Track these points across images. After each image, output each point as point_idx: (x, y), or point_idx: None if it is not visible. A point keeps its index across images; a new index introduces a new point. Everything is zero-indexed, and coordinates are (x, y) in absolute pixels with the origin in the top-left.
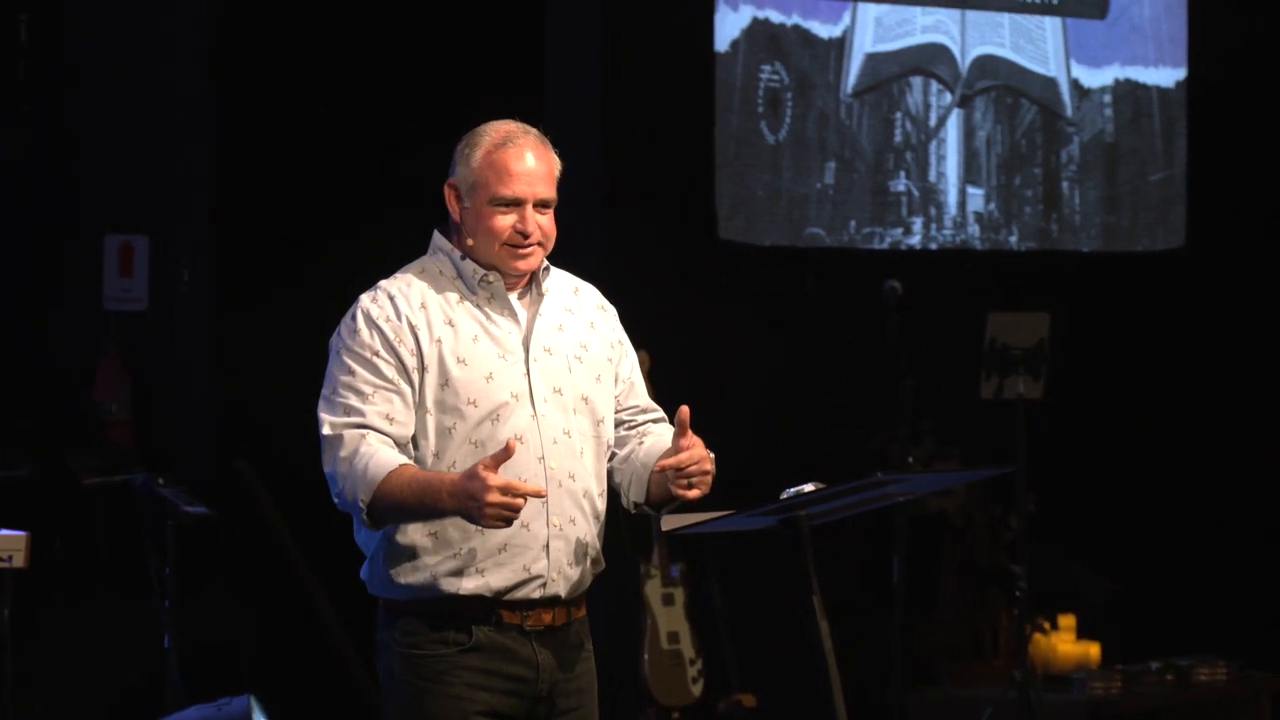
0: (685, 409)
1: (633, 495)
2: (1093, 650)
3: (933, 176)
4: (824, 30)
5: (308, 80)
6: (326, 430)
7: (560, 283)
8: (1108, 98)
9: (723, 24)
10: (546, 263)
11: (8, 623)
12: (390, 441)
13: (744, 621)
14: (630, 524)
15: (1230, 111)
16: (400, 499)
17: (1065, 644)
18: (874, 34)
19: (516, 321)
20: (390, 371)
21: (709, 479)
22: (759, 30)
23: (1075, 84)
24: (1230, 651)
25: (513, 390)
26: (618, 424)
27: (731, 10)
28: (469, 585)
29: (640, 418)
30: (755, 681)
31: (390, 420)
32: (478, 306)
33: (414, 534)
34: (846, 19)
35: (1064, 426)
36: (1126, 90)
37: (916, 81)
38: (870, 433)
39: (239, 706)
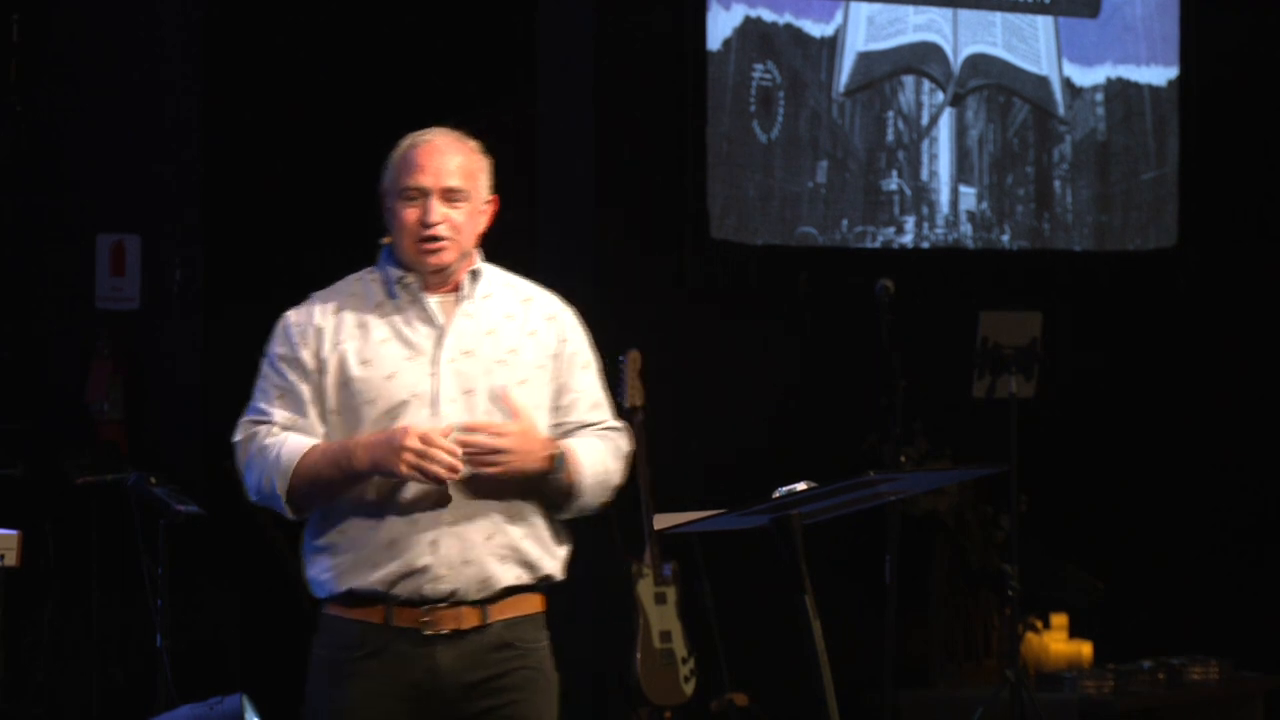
0: (503, 391)
1: None
2: (1085, 649)
3: (925, 175)
4: (816, 29)
5: (298, 79)
6: (237, 435)
7: (505, 290)
8: (1100, 96)
9: (715, 23)
10: (482, 268)
11: None
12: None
13: (736, 621)
14: (622, 524)
15: (1222, 110)
16: (316, 471)
17: (1057, 643)
18: (866, 33)
19: (433, 325)
20: (293, 375)
21: (497, 458)
22: (751, 29)
23: (1067, 83)
24: (1222, 651)
25: (414, 390)
26: (564, 433)
27: (723, 9)
28: (362, 580)
29: (580, 429)
30: (747, 681)
31: (292, 422)
32: (396, 309)
33: (324, 535)
34: (838, 18)
35: (1056, 426)
36: (1118, 89)
37: (909, 80)
38: (862, 432)
39: (231, 705)
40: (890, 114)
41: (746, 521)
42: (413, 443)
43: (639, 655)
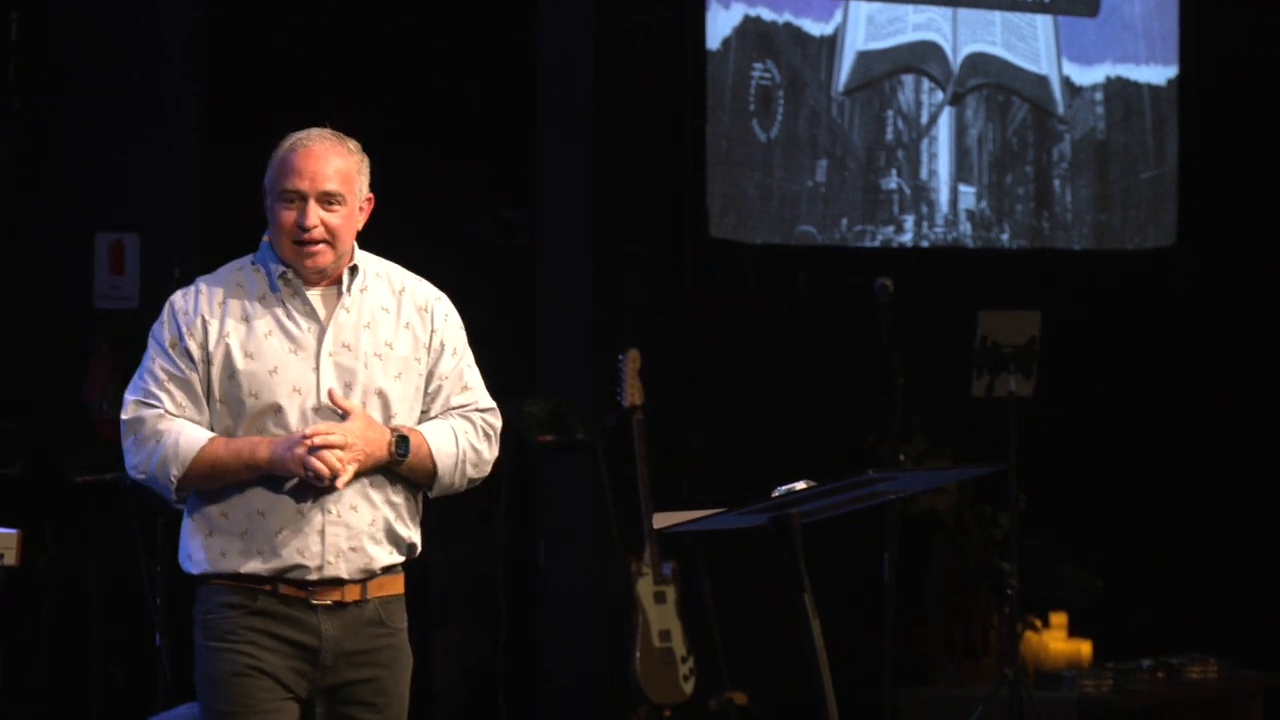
0: (330, 391)
1: None
2: (1084, 648)
3: (924, 174)
4: (816, 28)
5: (298, 79)
6: (127, 414)
7: (381, 282)
8: (1099, 95)
9: (714, 22)
10: (360, 263)
11: None
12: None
13: (735, 619)
14: (622, 523)
15: (1221, 109)
16: (216, 461)
17: (1056, 642)
18: (865, 32)
19: (315, 319)
20: (182, 363)
21: (338, 455)
22: (751, 28)
23: (1066, 82)
24: (1221, 650)
25: (296, 384)
26: (430, 418)
27: (723, 8)
28: (249, 565)
29: (446, 413)
30: (747, 679)
31: (181, 408)
32: (280, 303)
33: (208, 515)
34: (838, 17)
35: (1055, 424)
36: (1118, 88)
37: (908, 79)
38: (862, 431)
39: None
40: (890, 113)
41: (746, 521)
42: (309, 445)
43: (638, 654)
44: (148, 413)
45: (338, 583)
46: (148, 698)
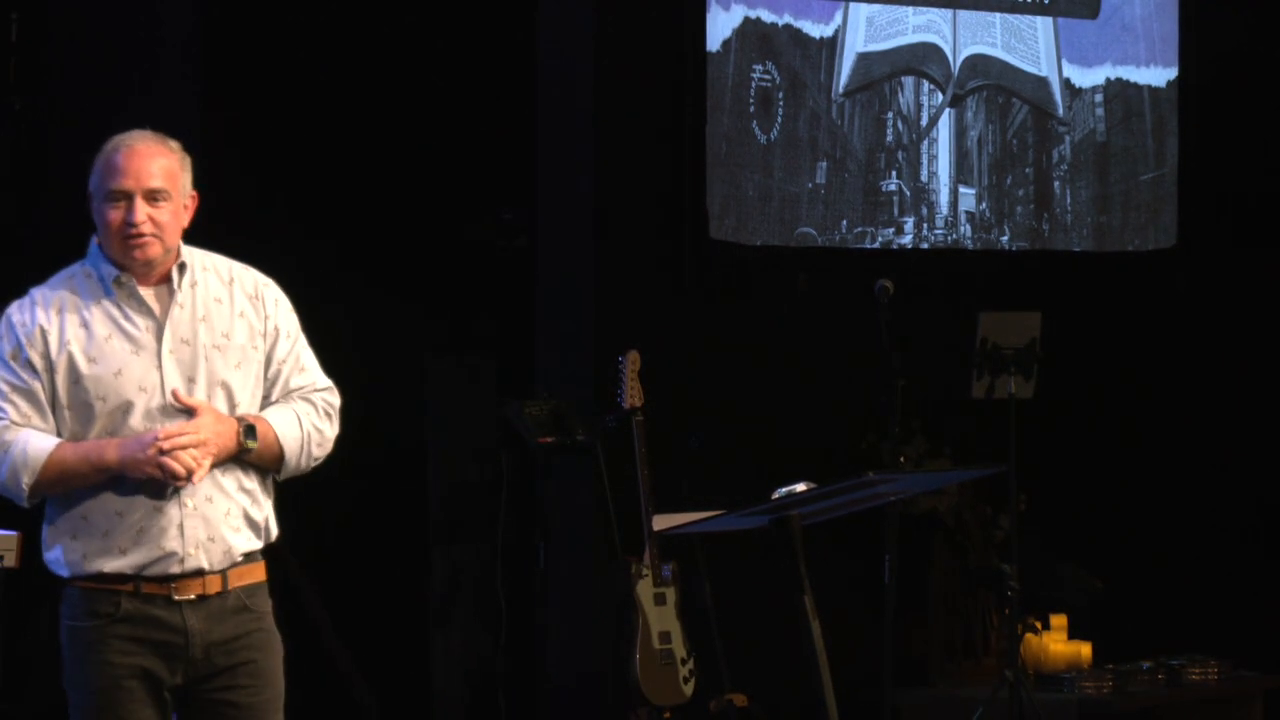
0: (174, 391)
1: None
2: (1084, 650)
3: (924, 176)
4: (815, 30)
5: (298, 79)
6: None
7: (210, 274)
8: (1099, 97)
9: (714, 23)
10: (187, 258)
11: None
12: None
13: (735, 621)
14: (622, 524)
15: (1221, 111)
16: (65, 466)
17: (1057, 643)
18: (865, 33)
19: (151, 317)
20: (24, 373)
21: (192, 453)
22: (750, 30)
23: (1067, 83)
24: (1222, 651)
25: (141, 384)
26: (271, 403)
27: (723, 10)
28: (112, 565)
29: (286, 396)
30: (747, 681)
31: (26, 418)
32: (115, 305)
33: (68, 519)
34: (838, 18)
35: (1055, 426)
36: (1118, 90)
37: (908, 81)
38: (861, 432)
39: None
40: (890, 115)
41: (746, 522)
42: (160, 447)
43: (638, 656)
44: (9, 428)
45: (199, 574)
46: None
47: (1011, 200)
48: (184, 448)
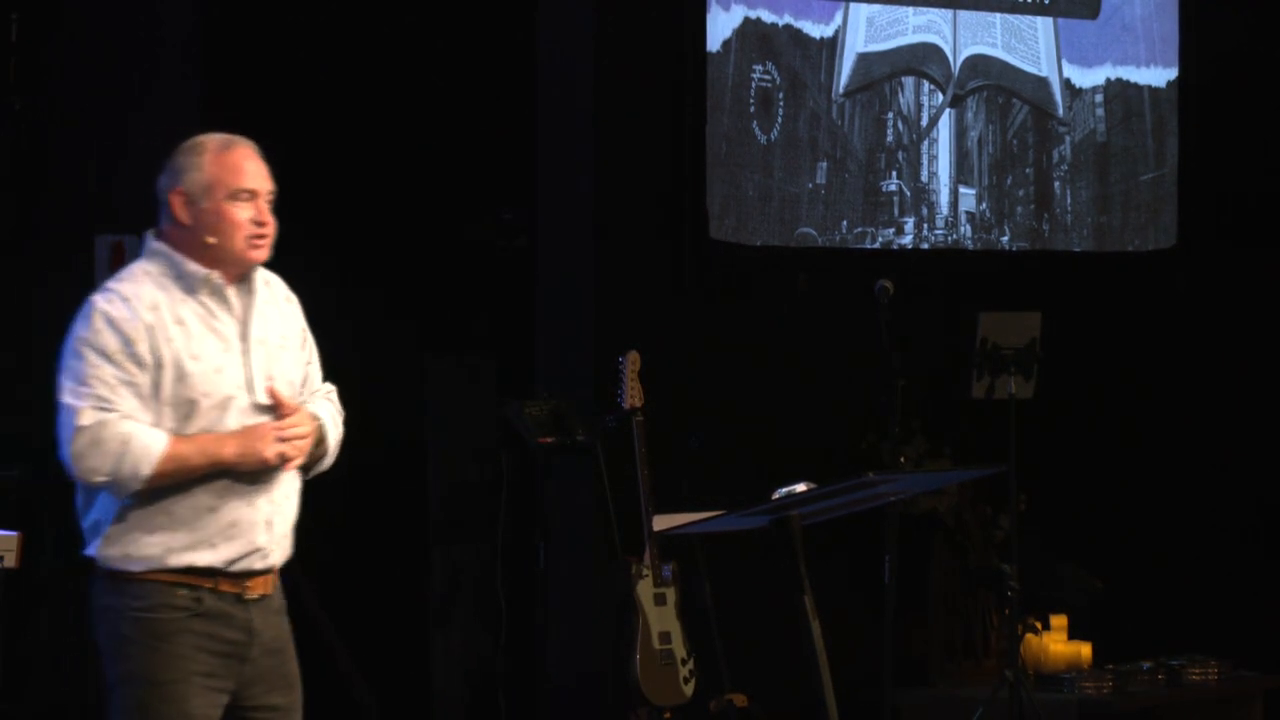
0: (270, 389)
1: None
2: (1084, 650)
3: (924, 176)
4: (816, 30)
5: (298, 79)
6: (85, 420)
7: (261, 277)
8: (1099, 97)
9: (714, 23)
10: None
11: None
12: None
13: (736, 621)
14: (622, 524)
15: (1221, 111)
16: (183, 459)
17: (1057, 644)
18: (866, 34)
19: (235, 316)
20: (131, 367)
21: (301, 445)
22: (751, 30)
23: (1067, 84)
24: (1222, 651)
25: (236, 381)
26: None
27: (723, 10)
28: (204, 558)
29: (313, 394)
30: (747, 681)
31: (133, 412)
32: (201, 304)
33: (145, 514)
34: (838, 19)
35: (1055, 426)
36: (1118, 90)
37: (908, 81)
38: (861, 432)
39: None
40: (890, 115)
41: (746, 522)
42: (282, 437)
43: (638, 656)
44: (109, 416)
45: (268, 573)
46: None
47: (1012, 200)
48: (299, 438)
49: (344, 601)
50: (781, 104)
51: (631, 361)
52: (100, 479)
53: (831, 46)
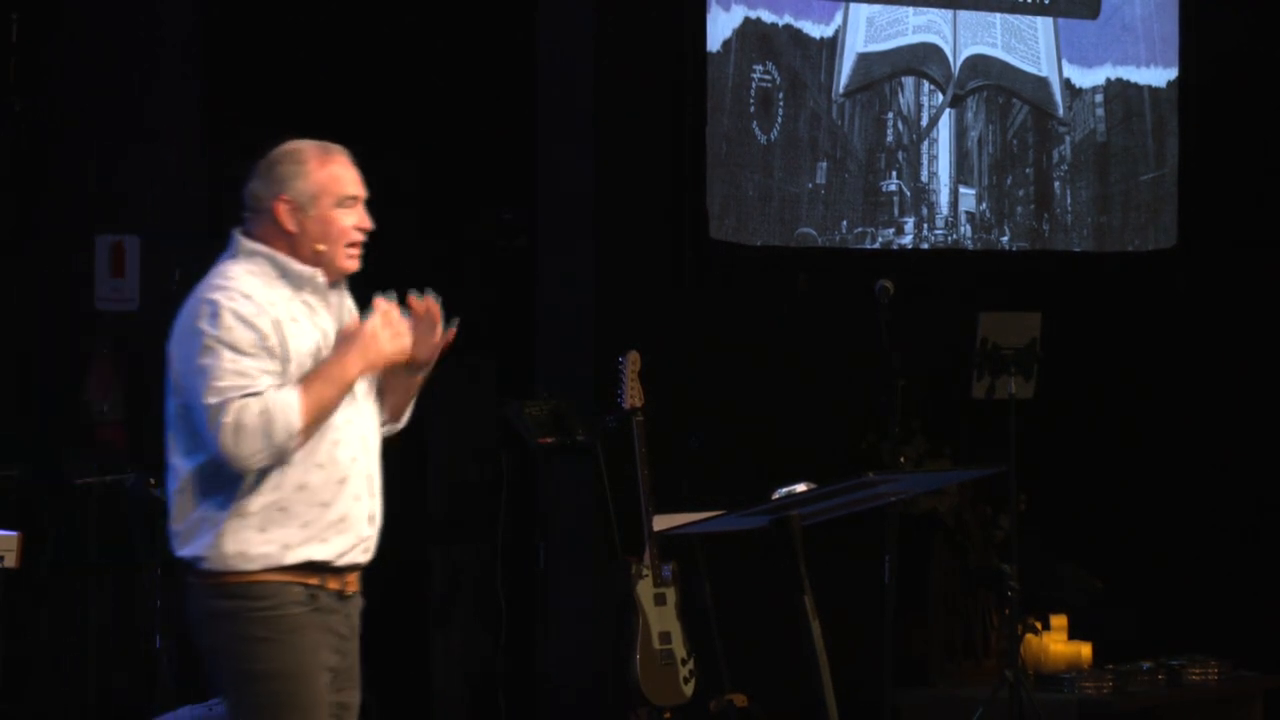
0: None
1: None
2: (1084, 650)
3: (924, 176)
4: (816, 30)
5: (297, 79)
6: (228, 416)
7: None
8: (1099, 97)
9: (714, 24)
10: None
11: None
12: None
13: (736, 621)
14: (622, 524)
15: (1221, 111)
16: (319, 396)
17: (1057, 644)
18: (866, 34)
19: (332, 315)
20: (267, 360)
21: (405, 332)
22: (751, 30)
23: (1067, 84)
24: (1222, 651)
25: None
26: None
27: (723, 10)
28: (317, 553)
29: None
30: (747, 681)
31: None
32: (304, 304)
33: (257, 513)
34: (838, 19)
35: (1055, 426)
36: (1118, 90)
37: (908, 81)
38: (861, 432)
39: None
40: (890, 115)
41: (746, 522)
42: (380, 326)
43: (638, 656)
44: (250, 400)
45: (362, 568)
46: (148, 699)
47: (1012, 200)
48: (399, 332)
49: None
50: (781, 104)
51: (631, 361)
52: (263, 458)
53: (831, 46)
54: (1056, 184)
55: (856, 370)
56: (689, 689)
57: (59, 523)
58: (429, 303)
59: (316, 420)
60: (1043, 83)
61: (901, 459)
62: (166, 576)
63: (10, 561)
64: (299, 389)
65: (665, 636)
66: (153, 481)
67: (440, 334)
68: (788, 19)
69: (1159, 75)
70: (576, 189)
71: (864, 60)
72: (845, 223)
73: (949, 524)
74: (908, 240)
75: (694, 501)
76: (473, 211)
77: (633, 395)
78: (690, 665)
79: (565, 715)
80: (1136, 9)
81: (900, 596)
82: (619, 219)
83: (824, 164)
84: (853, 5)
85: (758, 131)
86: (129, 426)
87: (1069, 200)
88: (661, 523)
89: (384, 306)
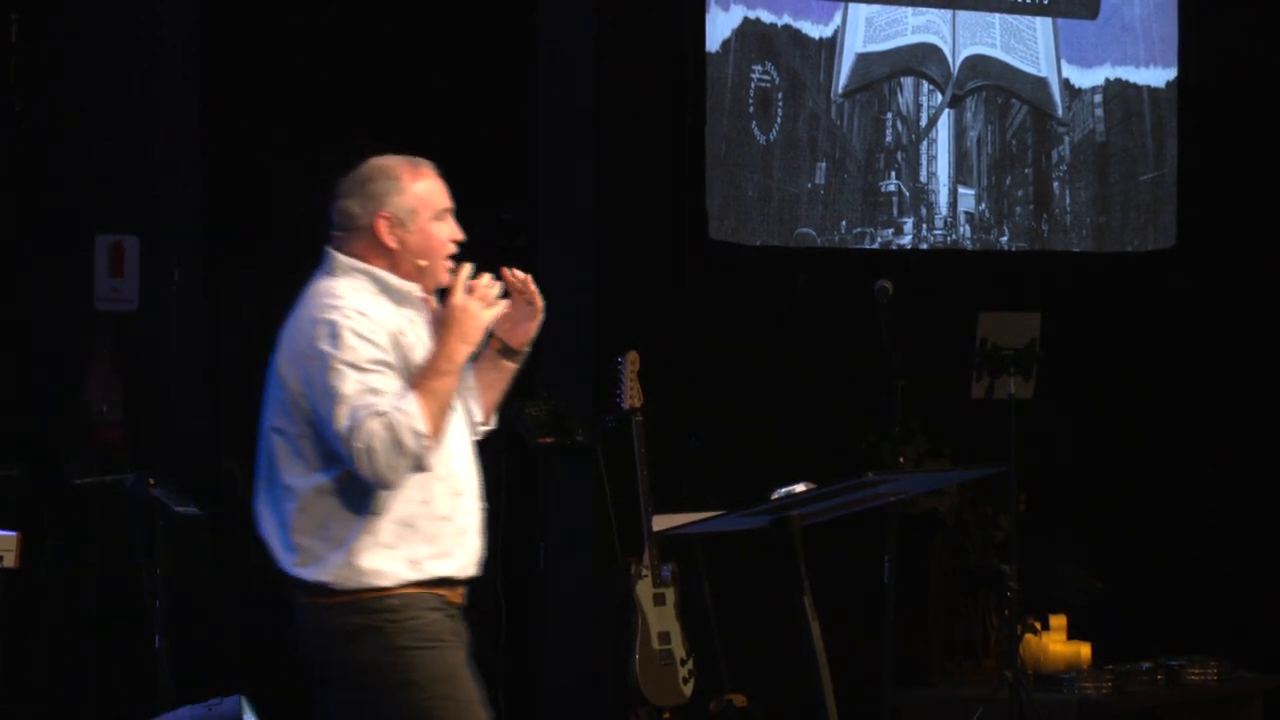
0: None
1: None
2: (1084, 650)
3: (924, 177)
4: (815, 30)
5: (297, 79)
6: (361, 441)
7: None
8: (1098, 98)
9: (714, 24)
10: None
11: None
12: None
13: (735, 621)
14: (621, 524)
15: (1221, 111)
16: (432, 393)
17: (1056, 644)
18: (865, 34)
19: (426, 326)
20: (390, 376)
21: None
22: (750, 30)
23: (1066, 84)
24: (1221, 652)
25: None
26: None
27: (722, 10)
28: (441, 567)
29: None
30: (746, 681)
31: None
32: (410, 318)
33: (385, 531)
34: (837, 19)
35: (1055, 426)
36: (1117, 90)
37: (907, 81)
38: (861, 432)
39: (230, 707)
40: (889, 115)
41: (746, 523)
42: (466, 298)
43: (638, 656)
44: (375, 419)
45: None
46: (148, 700)
47: (1011, 201)
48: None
49: None
50: (781, 104)
51: (631, 361)
52: (403, 471)
53: (831, 47)
54: (1056, 184)
55: (856, 370)
56: (688, 689)
57: (59, 523)
58: (523, 275)
59: (439, 416)
60: (1042, 83)
61: (901, 459)
62: (165, 577)
63: (10, 561)
64: (414, 393)
65: (665, 637)
66: (152, 481)
67: (539, 311)
68: (787, 19)
69: (1158, 75)
70: (576, 189)
71: (863, 60)
72: (844, 223)
73: (949, 524)
74: (907, 240)
75: (694, 501)
76: (473, 211)
77: (632, 395)
78: (690, 665)
79: (565, 715)
80: (1136, 9)
81: (900, 596)
82: (619, 219)
83: (823, 164)
84: (852, 5)
85: (757, 132)
86: (128, 427)
87: (1068, 200)
88: (661, 523)
89: (464, 275)
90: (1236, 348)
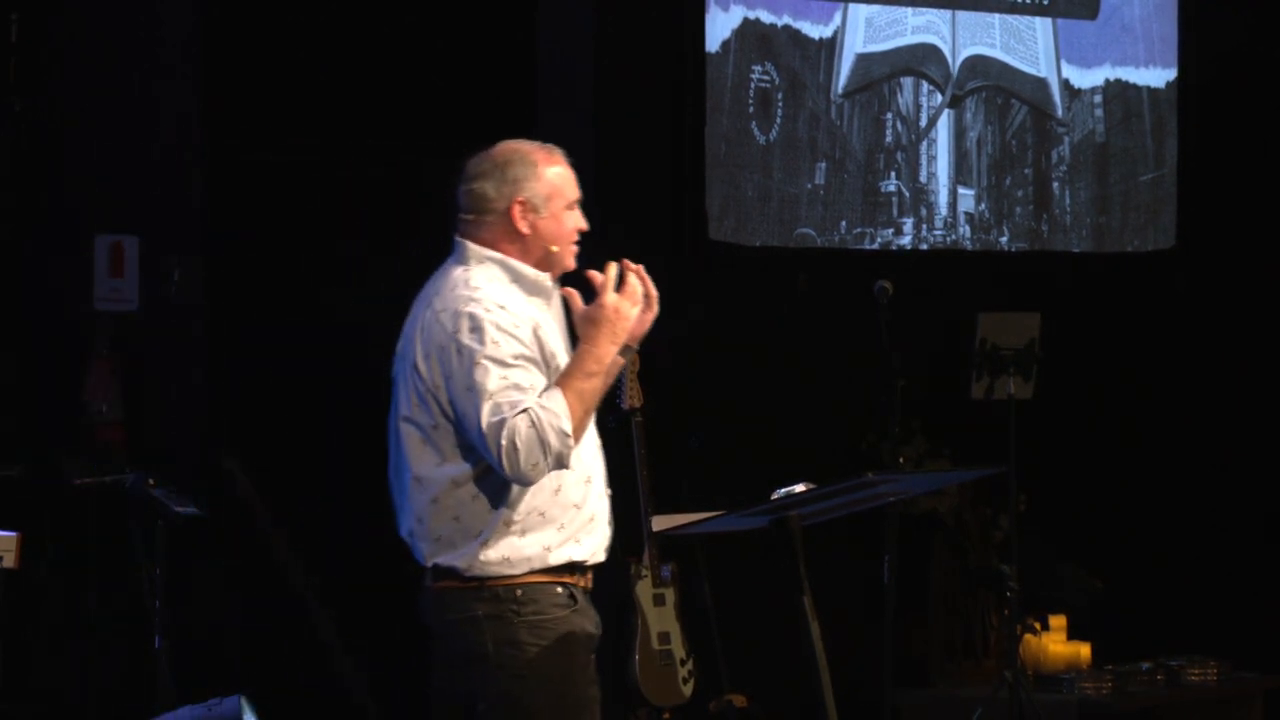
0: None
1: None
2: (1083, 650)
3: (923, 177)
4: (815, 31)
5: (298, 79)
6: (505, 438)
7: None
8: (1098, 98)
9: (713, 24)
10: None
11: None
12: None
13: (735, 621)
14: (621, 525)
15: (1220, 112)
16: (580, 392)
17: (1056, 644)
18: (865, 34)
19: (556, 318)
20: (534, 371)
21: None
22: (750, 30)
23: (1066, 84)
24: (1221, 652)
25: None
26: None
27: (722, 10)
28: (574, 553)
29: None
30: (746, 682)
31: None
32: (543, 309)
33: (516, 520)
34: (837, 19)
35: (1054, 427)
36: (1117, 90)
37: (907, 82)
38: (861, 432)
39: (230, 707)
40: (889, 115)
41: (746, 523)
42: (619, 297)
43: (637, 656)
44: (520, 417)
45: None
46: (148, 700)
47: (1011, 201)
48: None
49: (344, 602)
50: (780, 104)
51: (631, 362)
52: (544, 469)
53: (830, 47)
54: (1055, 184)
55: (856, 370)
56: (688, 689)
57: (59, 523)
58: (637, 268)
59: (585, 416)
60: (1041, 83)
61: (901, 459)
62: (165, 577)
63: (10, 561)
64: (560, 390)
65: (664, 637)
66: (151, 481)
67: (654, 304)
68: (787, 19)
69: (1158, 76)
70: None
71: (863, 61)
72: (844, 223)
73: (949, 524)
74: (907, 241)
75: (693, 502)
76: None
77: (632, 395)
78: (689, 665)
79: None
80: (1135, 9)
81: (900, 596)
82: (619, 219)
83: (823, 164)
84: (851, 6)
85: (757, 132)
86: (128, 427)
87: (1068, 201)
88: (661, 523)
89: (612, 274)
90: (1236, 348)
